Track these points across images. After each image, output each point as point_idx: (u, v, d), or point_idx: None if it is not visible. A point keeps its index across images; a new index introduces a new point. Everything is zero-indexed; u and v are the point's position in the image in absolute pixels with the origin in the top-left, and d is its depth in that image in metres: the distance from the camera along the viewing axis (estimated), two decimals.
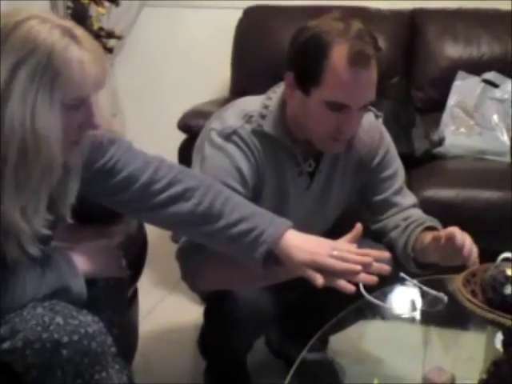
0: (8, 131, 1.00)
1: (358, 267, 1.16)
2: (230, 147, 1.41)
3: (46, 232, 1.10)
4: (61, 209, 1.13)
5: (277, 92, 1.46)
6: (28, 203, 1.04)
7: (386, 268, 1.19)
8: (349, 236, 1.22)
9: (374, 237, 1.54)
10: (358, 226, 1.23)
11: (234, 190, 1.35)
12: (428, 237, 1.41)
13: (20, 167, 1.01)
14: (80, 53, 1.03)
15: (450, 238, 1.32)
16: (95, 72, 1.05)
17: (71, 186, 1.14)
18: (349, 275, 1.16)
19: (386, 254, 1.22)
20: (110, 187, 1.20)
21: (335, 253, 1.17)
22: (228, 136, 1.41)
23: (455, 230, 1.33)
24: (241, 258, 1.24)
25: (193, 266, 1.38)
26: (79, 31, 1.05)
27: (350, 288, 1.15)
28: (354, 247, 1.20)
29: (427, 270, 1.47)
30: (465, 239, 1.32)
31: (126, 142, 1.25)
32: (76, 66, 1.02)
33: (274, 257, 1.20)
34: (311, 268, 1.16)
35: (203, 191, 1.23)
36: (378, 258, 1.19)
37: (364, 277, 1.17)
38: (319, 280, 1.15)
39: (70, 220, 1.14)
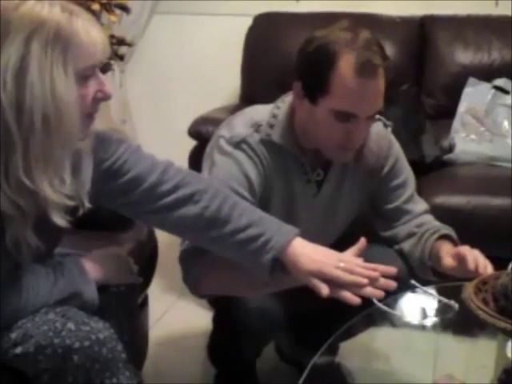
0: (31, 102, 1.02)
1: (365, 280, 1.16)
2: (239, 154, 1.42)
3: (72, 203, 1.11)
4: (79, 194, 1.14)
5: (285, 101, 1.46)
6: (55, 174, 1.06)
7: (392, 284, 1.18)
8: (354, 249, 1.22)
9: (383, 243, 1.54)
10: (363, 240, 1.23)
11: (242, 196, 1.35)
12: (444, 251, 1.43)
13: (45, 138, 1.04)
14: (83, 23, 1.06)
15: (461, 260, 1.35)
16: (101, 38, 1.09)
17: (85, 171, 1.15)
18: (355, 288, 1.16)
19: (393, 270, 1.20)
20: (117, 187, 1.21)
21: (342, 264, 1.17)
22: (237, 144, 1.42)
23: (465, 252, 1.35)
24: (247, 265, 1.23)
25: (195, 270, 1.37)
26: (73, 6, 1.08)
27: (356, 300, 1.14)
28: (361, 261, 1.20)
29: (445, 277, 1.47)
30: (477, 258, 1.34)
31: (134, 143, 1.27)
32: (83, 35, 1.06)
33: (281, 265, 1.20)
34: (317, 278, 1.16)
35: (211, 195, 1.23)
36: (385, 273, 1.18)
37: (370, 290, 1.16)
38: (324, 290, 1.15)
39: (89, 205, 1.14)
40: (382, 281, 1.17)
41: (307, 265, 1.17)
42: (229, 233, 1.21)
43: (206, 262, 1.35)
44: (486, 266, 1.33)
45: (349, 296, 1.14)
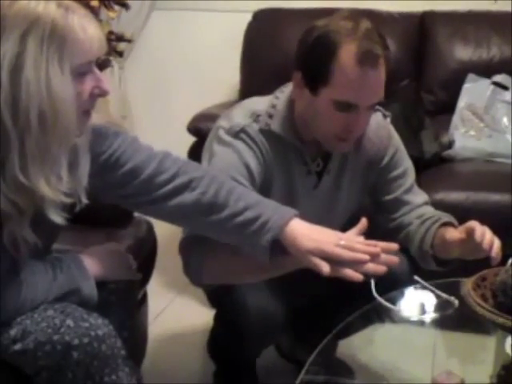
0: (26, 100, 1.02)
1: (366, 257, 1.14)
2: (239, 144, 1.41)
3: (69, 201, 1.10)
4: (76, 191, 1.14)
5: (284, 92, 1.46)
6: (51, 172, 1.06)
7: (394, 259, 1.17)
8: (355, 229, 1.21)
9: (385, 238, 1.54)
10: (364, 221, 1.22)
11: (242, 185, 1.34)
12: (449, 233, 1.40)
13: (41, 136, 1.03)
14: (79, 19, 1.06)
15: (470, 233, 1.32)
16: (97, 34, 1.08)
17: (82, 167, 1.15)
18: (356, 265, 1.14)
19: (394, 246, 1.20)
20: (115, 180, 1.21)
21: (342, 242, 1.16)
22: (236, 133, 1.41)
23: (475, 225, 1.33)
24: (247, 248, 1.22)
25: (195, 258, 1.36)
26: (69, 2, 1.08)
27: (358, 277, 1.13)
28: (361, 238, 1.19)
29: (446, 266, 1.46)
30: (484, 232, 1.32)
31: (131, 135, 1.26)
32: (79, 31, 1.05)
33: (281, 247, 1.19)
34: (317, 256, 1.15)
35: (208, 181, 1.23)
36: (386, 249, 1.17)
37: (372, 267, 1.15)
38: (325, 268, 1.13)
39: (86, 201, 1.14)
40: (383, 257, 1.16)
41: (306, 244, 1.16)
42: (227, 217, 1.21)
43: (206, 249, 1.33)
44: (492, 242, 1.31)
45: (350, 273, 1.13)
